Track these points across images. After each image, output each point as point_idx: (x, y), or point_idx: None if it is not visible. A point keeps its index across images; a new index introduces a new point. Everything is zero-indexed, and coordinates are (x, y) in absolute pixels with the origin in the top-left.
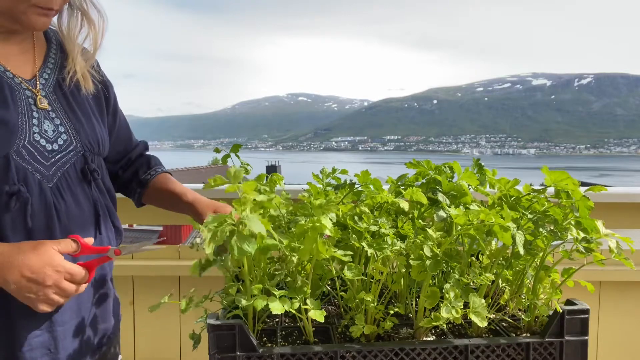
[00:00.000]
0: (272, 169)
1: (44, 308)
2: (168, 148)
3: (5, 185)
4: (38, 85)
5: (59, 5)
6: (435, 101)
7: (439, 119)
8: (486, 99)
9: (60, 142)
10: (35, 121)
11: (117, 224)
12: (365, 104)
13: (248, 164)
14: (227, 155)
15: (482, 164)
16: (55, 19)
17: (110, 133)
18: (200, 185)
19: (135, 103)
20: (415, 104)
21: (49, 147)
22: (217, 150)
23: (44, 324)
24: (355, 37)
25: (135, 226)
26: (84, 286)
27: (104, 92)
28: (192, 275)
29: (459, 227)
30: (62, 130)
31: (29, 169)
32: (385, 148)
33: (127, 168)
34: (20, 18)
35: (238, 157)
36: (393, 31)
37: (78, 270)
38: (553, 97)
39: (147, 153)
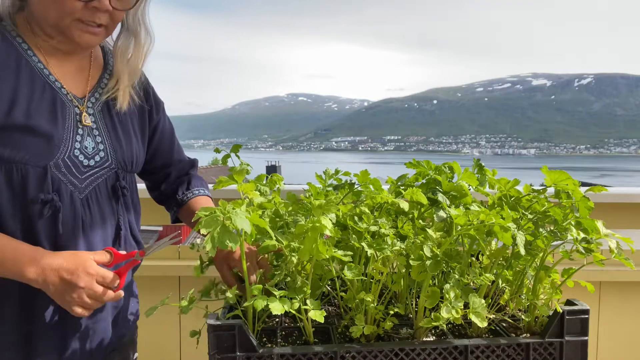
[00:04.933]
0: (272, 169)
1: (79, 311)
2: None
3: (40, 193)
4: (86, 103)
5: (105, 21)
6: (435, 101)
7: (439, 119)
8: (486, 99)
9: (97, 158)
10: (78, 137)
11: (138, 237)
12: (365, 104)
13: (248, 164)
14: (227, 156)
15: (482, 164)
16: (110, 40)
17: (149, 147)
18: None
19: None
20: (416, 104)
21: (85, 162)
22: (217, 151)
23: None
24: (355, 37)
25: None
26: (119, 293)
27: (151, 110)
28: (195, 276)
29: (459, 228)
30: (102, 147)
31: (64, 181)
32: (386, 148)
33: (169, 184)
34: (65, 33)
35: (238, 157)
36: (393, 31)
37: (109, 274)
38: (553, 97)
39: (192, 172)
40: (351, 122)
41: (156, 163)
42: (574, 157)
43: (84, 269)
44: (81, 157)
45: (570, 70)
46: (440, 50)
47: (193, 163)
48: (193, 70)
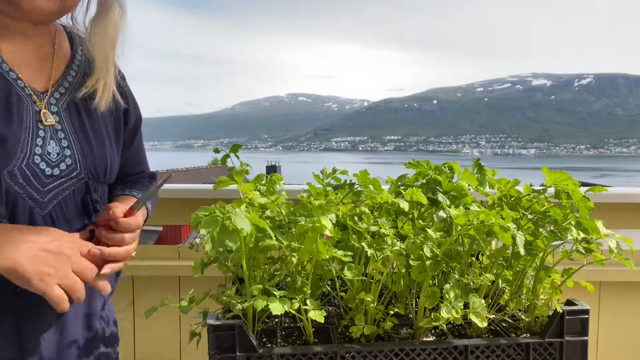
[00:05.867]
0: (272, 169)
1: (59, 293)
2: (168, 148)
3: None
4: (48, 99)
5: None
6: (435, 101)
7: (439, 119)
8: (486, 99)
9: (62, 166)
10: (39, 140)
11: None
12: (365, 104)
13: (248, 164)
14: (227, 156)
15: (482, 164)
16: (81, 18)
17: (122, 153)
18: (202, 186)
19: None
20: (415, 104)
21: (48, 171)
22: (216, 151)
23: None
24: (355, 37)
25: None
26: (107, 286)
27: (127, 110)
28: (195, 275)
29: (459, 228)
30: (68, 153)
31: (21, 193)
32: (386, 148)
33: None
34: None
35: (238, 157)
36: (393, 31)
37: (97, 251)
38: (553, 97)
39: (143, 180)
40: (351, 122)
41: (118, 174)
42: (574, 157)
43: (69, 239)
44: (43, 165)
45: (570, 70)
46: (440, 50)
47: (152, 176)
48: (193, 70)
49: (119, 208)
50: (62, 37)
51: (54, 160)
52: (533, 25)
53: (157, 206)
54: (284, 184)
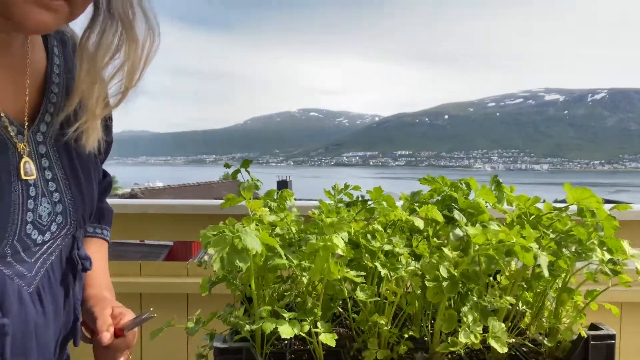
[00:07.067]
0: (282, 184)
1: None
2: (180, 163)
3: None
4: (29, 135)
5: None
6: (446, 116)
7: (450, 134)
8: (498, 114)
9: (53, 228)
10: (30, 203)
11: (79, 314)
12: (377, 119)
13: (258, 180)
14: (237, 171)
15: (500, 180)
16: (77, 30)
17: None
18: (213, 201)
19: (148, 119)
20: (427, 119)
21: (39, 239)
22: (227, 166)
23: None
24: (366, 53)
25: (146, 241)
26: None
27: (109, 142)
28: (202, 294)
29: (477, 247)
30: (59, 210)
31: (9, 274)
32: (397, 163)
33: None
34: (12, 11)
35: (248, 173)
36: (404, 46)
37: None
38: (566, 112)
39: (104, 205)
40: (362, 137)
41: None
42: (588, 173)
43: None
44: (35, 234)
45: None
46: (451, 65)
47: (105, 175)
48: (205, 86)
49: (104, 335)
50: (36, 45)
51: (45, 223)
52: (545, 40)
53: (167, 221)
54: (295, 199)
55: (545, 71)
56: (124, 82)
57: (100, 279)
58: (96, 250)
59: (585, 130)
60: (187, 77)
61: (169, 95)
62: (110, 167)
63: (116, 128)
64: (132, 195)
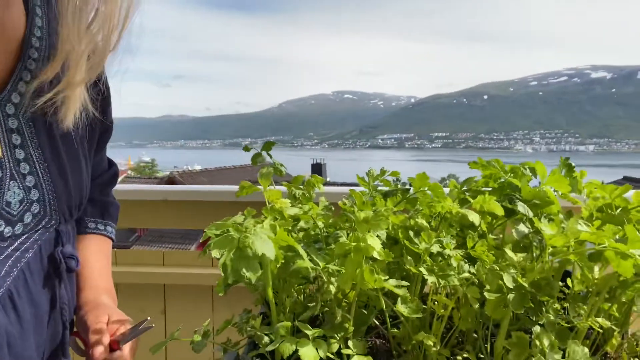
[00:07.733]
0: (317, 167)
1: None
2: (217, 146)
3: None
4: (2, 107)
5: None
6: (485, 96)
7: (489, 114)
8: (541, 93)
9: (27, 219)
10: None
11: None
12: (412, 100)
13: (282, 164)
14: (259, 154)
15: (572, 163)
16: None
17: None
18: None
19: (185, 103)
20: (465, 100)
21: (7, 231)
22: (246, 149)
23: None
24: (401, 32)
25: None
26: None
27: (108, 126)
28: (219, 294)
29: (551, 249)
30: (35, 197)
31: None
32: (433, 145)
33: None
34: None
35: (270, 157)
36: (442, 24)
37: None
38: (614, 90)
39: (108, 199)
40: (397, 119)
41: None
42: (637, 154)
43: None
44: (2, 225)
45: (633, 62)
46: (491, 43)
47: (111, 164)
48: (240, 69)
49: (96, 350)
50: (14, 5)
51: (15, 213)
52: (591, 15)
53: (198, 208)
54: (328, 182)
55: (592, 47)
56: (102, 43)
57: (99, 281)
58: (97, 249)
59: (635, 109)
60: (221, 62)
61: (204, 79)
62: (151, 150)
63: (156, 113)
64: (170, 179)
